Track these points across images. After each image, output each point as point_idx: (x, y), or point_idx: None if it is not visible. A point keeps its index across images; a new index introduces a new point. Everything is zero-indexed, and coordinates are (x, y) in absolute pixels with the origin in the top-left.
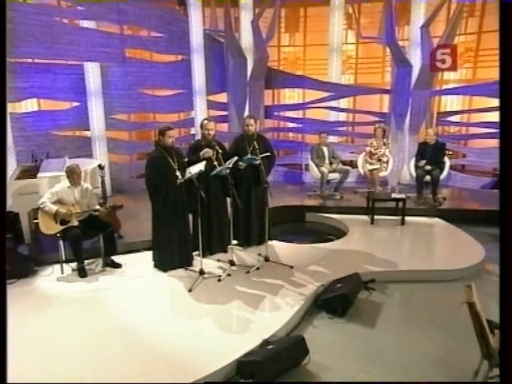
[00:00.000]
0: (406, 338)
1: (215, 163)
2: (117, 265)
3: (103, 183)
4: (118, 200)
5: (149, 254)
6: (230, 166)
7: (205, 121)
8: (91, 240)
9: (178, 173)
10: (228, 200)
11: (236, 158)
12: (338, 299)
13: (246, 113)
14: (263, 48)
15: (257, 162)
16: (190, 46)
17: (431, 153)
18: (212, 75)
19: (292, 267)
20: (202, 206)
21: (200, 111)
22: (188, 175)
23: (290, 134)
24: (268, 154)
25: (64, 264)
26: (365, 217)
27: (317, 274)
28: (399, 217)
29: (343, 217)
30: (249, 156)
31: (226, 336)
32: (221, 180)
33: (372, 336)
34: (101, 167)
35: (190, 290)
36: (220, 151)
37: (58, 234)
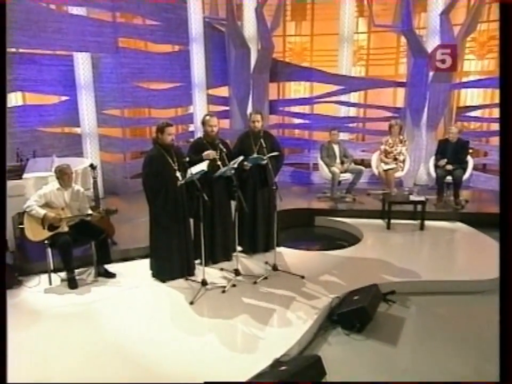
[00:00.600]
0: (431, 357)
1: (219, 163)
2: (111, 275)
3: (95, 184)
4: (112, 203)
5: (146, 263)
6: (235, 166)
7: (207, 117)
8: (82, 248)
9: (178, 174)
10: (233, 203)
11: (241, 157)
12: (356, 313)
13: (249, 108)
14: (268, 37)
15: (264, 162)
16: (188, 35)
17: (452, 152)
18: (212, 67)
19: (303, 277)
20: (205, 210)
21: (199, 106)
22: (189, 176)
23: (297, 131)
24: (276, 153)
25: (52, 274)
26: (380, 222)
27: (330, 285)
28: (417, 222)
29: (356, 221)
30: (255, 155)
31: (232, 355)
32: (225, 182)
33: (393, 354)
34: (92, 167)
35: (191, 303)
36: (224, 150)
37: (46, 241)
